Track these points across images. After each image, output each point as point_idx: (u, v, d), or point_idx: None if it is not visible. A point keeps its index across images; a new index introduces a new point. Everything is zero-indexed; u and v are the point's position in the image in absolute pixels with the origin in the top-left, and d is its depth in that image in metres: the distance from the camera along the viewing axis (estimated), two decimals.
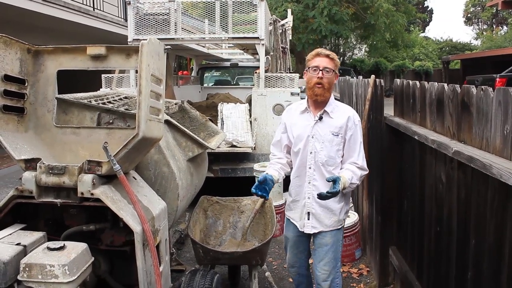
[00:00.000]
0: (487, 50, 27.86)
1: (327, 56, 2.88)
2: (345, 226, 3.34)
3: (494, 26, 45.37)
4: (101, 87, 6.46)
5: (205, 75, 10.99)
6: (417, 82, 3.18)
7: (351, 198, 3.18)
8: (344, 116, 2.91)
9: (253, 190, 2.85)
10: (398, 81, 3.66)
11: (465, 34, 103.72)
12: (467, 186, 2.35)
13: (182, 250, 4.84)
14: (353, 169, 2.88)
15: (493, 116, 2.05)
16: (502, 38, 34.57)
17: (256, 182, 2.87)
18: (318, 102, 2.90)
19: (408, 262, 3.47)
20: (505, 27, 41.79)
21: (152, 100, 2.37)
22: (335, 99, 3.06)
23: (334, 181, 2.73)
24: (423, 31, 45.35)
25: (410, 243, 3.41)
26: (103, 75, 6.57)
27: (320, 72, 2.83)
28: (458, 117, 2.45)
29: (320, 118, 2.90)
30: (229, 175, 6.00)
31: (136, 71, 2.46)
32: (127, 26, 6.48)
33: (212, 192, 4.14)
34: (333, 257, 2.96)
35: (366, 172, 2.97)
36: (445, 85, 2.64)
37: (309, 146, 2.91)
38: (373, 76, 4.16)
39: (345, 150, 2.92)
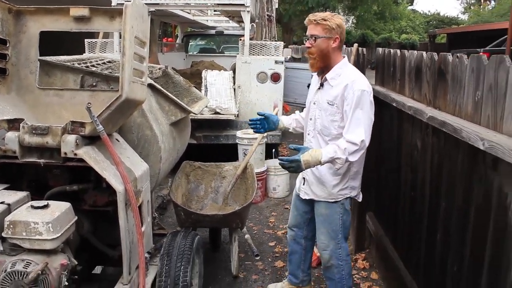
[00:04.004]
0: (473, 25, 27.91)
1: (312, 21, 2.70)
2: None
3: (482, 1, 45.30)
4: (84, 52, 6.39)
5: (190, 42, 10.87)
6: (398, 51, 3.23)
7: (359, 180, 2.94)
8: (341, 85, 2.66)
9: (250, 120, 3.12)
10: (380, 50, 3.71)
11: (453, 8, 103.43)
12: (440, 151, 2.43)
13: (164, 215, 4.91)
14: (339, 143, 2.60)
15: (466, 83, 2.12)
16: (489, 13, 34.55)
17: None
18: (321, 70, 2.80)
19: (384, 227, 3.59)
20: (493, 2, 41.75)
21: (135, 63, 2.38)
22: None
23: (298, 150, 2.63)
24: (411, 4, 45.13)
25: (387, 209, 3.52)
26: (86, 40, 6.49)
27: (307, 41, 2.74)
28: (435, 84, 2.52)
29: (322, 85, 2.80)
30: (212, 142, 6.05)
31: (120, 34, 2.45)
32: None
33: (195, 159, 4.17)
34: (330, 229, 2.88)
35: (356, 147, 2.56)
36: (424, 53, 2.69)
37: (311, 112, 2.88)
38: (355, 45, 4.20)
39: (345, 122, 2.67)
